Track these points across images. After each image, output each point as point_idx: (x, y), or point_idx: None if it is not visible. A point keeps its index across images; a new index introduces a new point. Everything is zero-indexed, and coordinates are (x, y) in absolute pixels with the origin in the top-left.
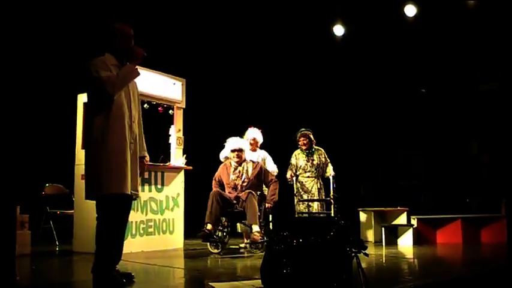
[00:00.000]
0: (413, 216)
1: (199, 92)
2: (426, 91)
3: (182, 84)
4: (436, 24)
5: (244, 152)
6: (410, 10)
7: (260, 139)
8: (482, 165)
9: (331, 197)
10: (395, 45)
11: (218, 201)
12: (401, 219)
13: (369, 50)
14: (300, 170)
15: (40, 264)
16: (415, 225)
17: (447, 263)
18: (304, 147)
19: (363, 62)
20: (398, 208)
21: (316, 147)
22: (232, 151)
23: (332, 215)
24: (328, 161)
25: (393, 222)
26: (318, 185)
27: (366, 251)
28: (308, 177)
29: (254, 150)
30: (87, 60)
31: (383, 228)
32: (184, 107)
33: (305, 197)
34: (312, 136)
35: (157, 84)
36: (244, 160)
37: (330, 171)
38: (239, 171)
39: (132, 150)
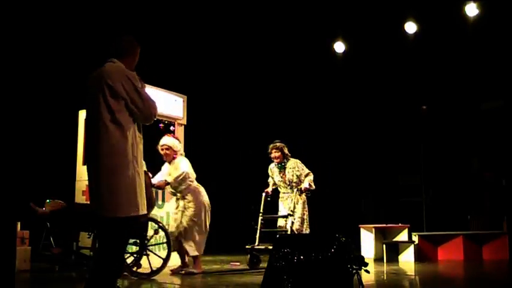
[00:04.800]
0: (415, 233)
1: (201, 109)
2: (427, 108)
3: (183, 101)
4: (437, 41)
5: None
6: (410, 27)
7: (176, 146)
8: (483, 183)
9: (290, 212)
10: (396, 62)
11: None
12: (403, 236)
13: (369, 66)
14: (277, 187)
15: (40, 280)
16: (416, 242)
17: (449, 280)
18: (276, 161)
19: (363, 79)
20: (400, 225)
21: (291, 159)
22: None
23: (288, 232)
24: (306, 172)
25: (394, 239)
26: (296, 199)
27: (367, 268)
28: (284, 193)
29: (171, 159)
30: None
31: (384, 245)
32: (185, 123)
33: (283, 213)
34: (285, 149)
35: (159, 101)
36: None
37: (303, 184)
38: None
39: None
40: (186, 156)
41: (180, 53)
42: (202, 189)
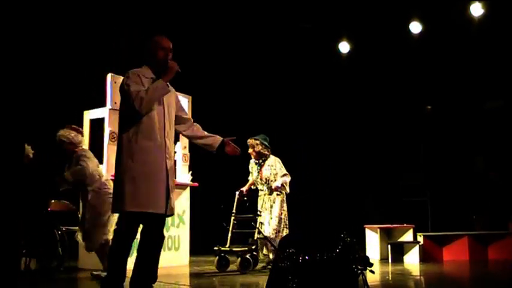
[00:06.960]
0: (420, 233)
1: (205, 109)
2: (432, 108)
3: (188, 101)
4: (442, 40)
5: None
6: (415, 27)
7: (72, 138)
8: (488, 182)
9: (258, 212)
10: (401, 62)
11: None
12: (408, 236)
13: (374, 66)
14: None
15: (40, 280)
16: (421, 242)
17: (454, 281)
18: (253, 155)
19: (367, 79)
20: (405, 225)
21: (271, 157)
22: None
23: (256, 233)
24: (283, 172)
25: (399, 239)
26: (271, 201)
27: (372, 268)
28: (261, 190)
29: (70, 153)
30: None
31: (389, 245)
32: None
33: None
34: (259, 147)
35: None
36: None
37: (275, 183)
38: None
39: (169, 166)
40: (191, 157)
41: (185, 52)
42: (110, 188)
